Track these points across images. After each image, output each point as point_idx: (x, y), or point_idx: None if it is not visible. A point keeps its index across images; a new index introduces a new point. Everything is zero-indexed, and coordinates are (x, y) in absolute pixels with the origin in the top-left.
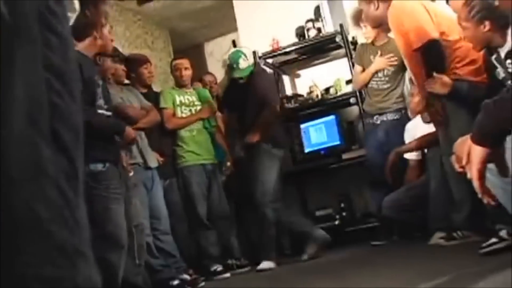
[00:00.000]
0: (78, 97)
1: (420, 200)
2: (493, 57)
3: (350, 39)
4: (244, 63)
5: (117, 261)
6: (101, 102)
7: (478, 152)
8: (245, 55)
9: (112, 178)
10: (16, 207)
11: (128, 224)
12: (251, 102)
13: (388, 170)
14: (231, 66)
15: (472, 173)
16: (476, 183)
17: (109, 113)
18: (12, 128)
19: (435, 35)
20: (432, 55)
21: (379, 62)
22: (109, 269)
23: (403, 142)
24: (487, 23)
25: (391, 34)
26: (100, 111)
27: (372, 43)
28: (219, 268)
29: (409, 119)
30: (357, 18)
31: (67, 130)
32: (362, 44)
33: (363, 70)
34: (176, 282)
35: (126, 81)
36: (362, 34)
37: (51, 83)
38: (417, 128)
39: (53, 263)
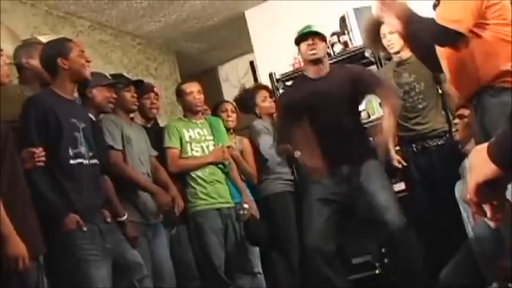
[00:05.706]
0: None
1: None
2: None
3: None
4: None
5: None
6: (82, 149)
7: (486, 167)
8: None
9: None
10: None
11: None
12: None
13: None
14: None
15: (470, 186)
16: (471, 196)
17: (94, 161)
18: None
19: None
20: None
21: None
22: None
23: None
24: None
25: None
26: (79, 160)
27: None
28: None
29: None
30: None
31: None
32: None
33: None
34: None
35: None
36: None
37: None
38: None
39: None
